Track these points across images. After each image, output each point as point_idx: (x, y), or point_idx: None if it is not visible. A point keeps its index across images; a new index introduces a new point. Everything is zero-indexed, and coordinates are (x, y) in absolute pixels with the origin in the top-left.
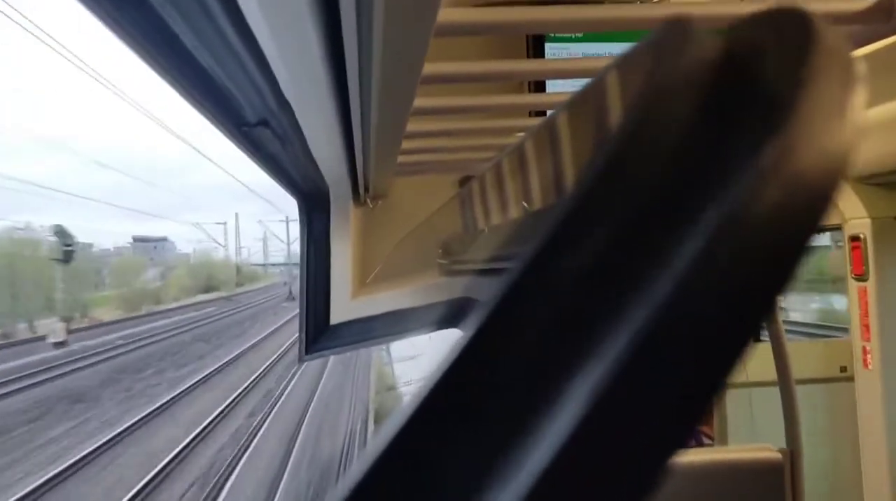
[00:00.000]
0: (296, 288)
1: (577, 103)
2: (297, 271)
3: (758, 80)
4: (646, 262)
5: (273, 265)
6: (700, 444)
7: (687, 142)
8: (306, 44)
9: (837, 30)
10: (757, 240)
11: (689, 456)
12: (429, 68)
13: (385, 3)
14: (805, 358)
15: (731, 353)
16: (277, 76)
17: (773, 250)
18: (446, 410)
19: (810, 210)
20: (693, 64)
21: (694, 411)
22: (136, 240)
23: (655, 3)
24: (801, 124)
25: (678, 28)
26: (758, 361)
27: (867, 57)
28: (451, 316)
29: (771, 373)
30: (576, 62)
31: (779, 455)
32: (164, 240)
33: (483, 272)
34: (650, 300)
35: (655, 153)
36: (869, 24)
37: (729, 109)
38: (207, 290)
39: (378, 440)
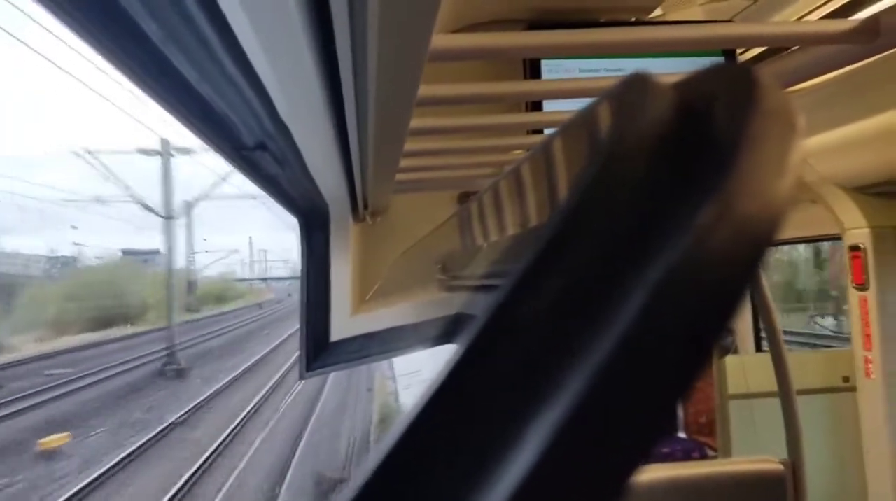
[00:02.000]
0: (279, 308)
1: (569, 130)
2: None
3: (706, 136)
4: (600, 306)
5: (278, 279)
6: (704, 456)
7: (639, 196)
8: (302, 68)
9: (779, 89)
10: (697, 288)
11: (694, 469)
12: (425, 90)
13: (379, 30)
14: (807, 368)
15: (676, 387)
16: (274, 101)
17: (712, 296)
18: (434, 426)
19: (745, 261)
20: (648, 119)
21: (650, 434)
22: (126, 253)
23: (649, 25)
24: (740, 181)
25: (636, 83)
26: (760, 372)
27: (863, 71)
28: (449, 331)
29: (773, 384)
30: (571, 83)
31: (781, 467)
32: (155, 252)
33: (478, 288)
34: (606, 338)
35: (610, 205)
36: (856, 44)
37: (680, 163)
38: (106, 323)
39: (372, 458)
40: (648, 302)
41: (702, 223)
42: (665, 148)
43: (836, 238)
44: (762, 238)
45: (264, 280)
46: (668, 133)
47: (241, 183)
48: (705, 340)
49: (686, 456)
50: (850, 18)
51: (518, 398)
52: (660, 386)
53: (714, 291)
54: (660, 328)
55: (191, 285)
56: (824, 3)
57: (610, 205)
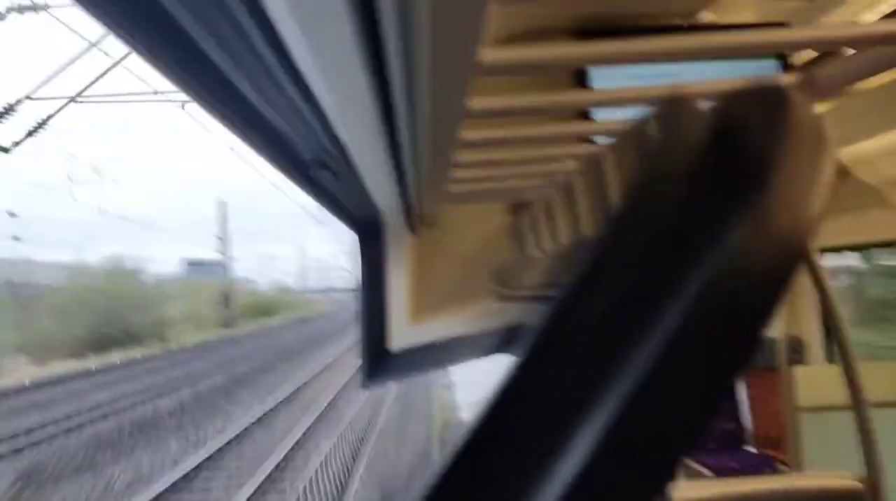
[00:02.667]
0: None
1: (615, 147)
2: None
3: (741, 156)
4: (643, 319)
5: (334, 291)
6: (775, 471)
7: (678, 214)
8: (357, 88)
9: (810, 105)
10: (733, 302)
11: (764, 484)
12: (475, 103)
13: (429, 47)
14: (881, 379)
15: (717, 395)
16: (331, 120)
17: (746, 310)
18: (495, 432)
19: (777, 275)
20: (685, 142)
21: (687, 442)
22: (191, 264)
23: (693, 33)
24: (772, 198)
25: (674, 107)
26: (831, 384)
27: None
28: (504, 341)
29: (845, 396)
30: (619, 93)
31: (859, 484)
32: (219, 264)
33: (531, 299)
34: (648, 350)
35: (651, 223)
36: None
37: (716, 182)
38: (101, 346)
39: (441, 462)
40: (686, 316)
41: (736, 239)
42: (702, 168)
43: None
44: (794, 252)
45: (322, 291)
46: (705, 153)
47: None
48: (740, 351)
49: (756, 471)
50: None
51: (569, 406)
52: (698, 395)
53: (748, 305)
54: (697, 340)
55: (227, 297)
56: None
57: (650, 223)
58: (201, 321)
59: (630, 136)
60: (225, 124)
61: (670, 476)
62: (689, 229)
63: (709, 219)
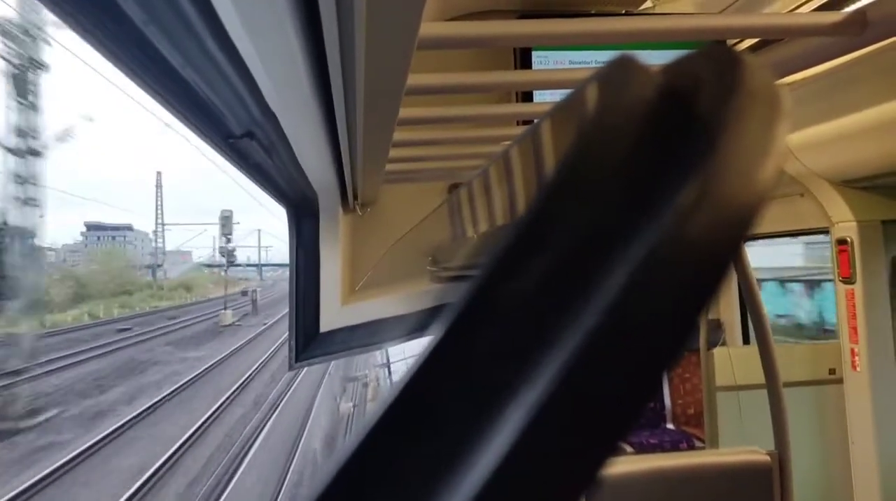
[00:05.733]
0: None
1: (557, 114)
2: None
3: (690, 117)
4: (580, 288)
5: (268, 266)
6: (692, 447)
7: (621, 176)
8: (289, 55)
9: (766, 68)
10: (678, 268)
11: (681, 459)
12: (415, 79)
13: (366, 16)
14: (794, 360)
15: (656, 368)
16: (262, 88)
17: (693, 277)
18: (409, 411)
19: (726, 242)
20: (632, 99)
21: (626, 418)
22: (90, 227)
23: (639, 15)
24: (722, 162)
25: (622, 65)
26: (748, 364)
27: (852, 66)
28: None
29: (761, 376)
30: (560, 73)
31: (767, 458)
32: (128, 228)
33: (465, 278)
34: (587, 319)
35: (591, 185)
36: (843, 36)
37: (663, 144)
38: None
39: (340, 451)
40: (629, 282)
41: (683, 203)
42: (648, 128)
43: (823, 231)
44: (744, 219)
45: (254, 266)
46: (652, 113)
47: None
48: (686, 321)
49: (674, 447)
50: (838, 11)
51: (496, 381)
52: (639, 367)
53: (695, 272)
54: (640, 308)
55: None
56: None
57: (591, 185)
58: None
59: (571, 102)
60: (143, 87)
61: (610, 452)
62: (632, 193)
63: (653, 183)
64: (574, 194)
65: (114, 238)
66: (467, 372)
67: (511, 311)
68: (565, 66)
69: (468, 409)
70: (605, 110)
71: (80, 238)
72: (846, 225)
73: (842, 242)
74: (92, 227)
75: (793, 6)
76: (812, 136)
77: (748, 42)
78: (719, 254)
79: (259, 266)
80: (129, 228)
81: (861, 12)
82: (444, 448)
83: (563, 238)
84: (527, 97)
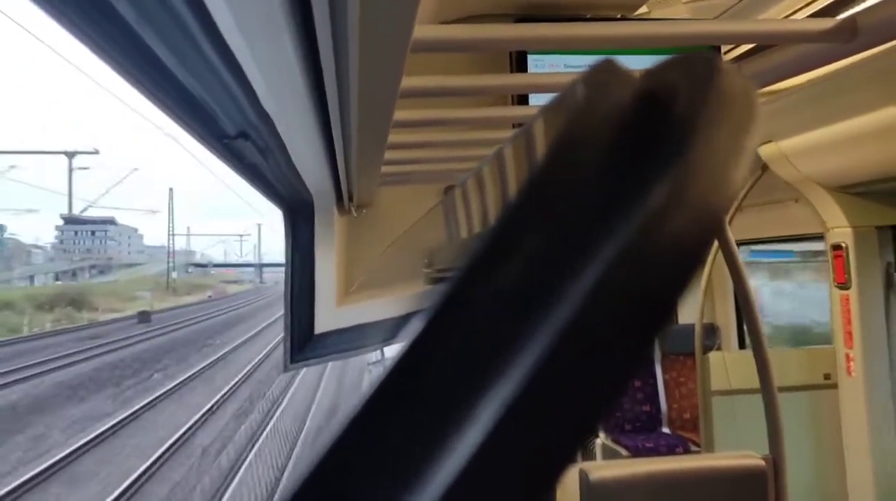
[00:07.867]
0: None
1: (547, 116)
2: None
3: (665, 120)
4: (552, 288)
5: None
6: (687, 452)
7: (596, 178)
8: (284, 56)
9: (742, 75)
10: (647, 270)
11: (677, 464)
12: (411, 81)
13: (360, 18)
14: (789, 365)
15: (624, 369)
16: (256, 89)
17: (661, 279)
18: (381, 411)
19: (695, 242)
20: (609, 103)
21: (592, 418)
22: (68, 221)
23: (634, 21)
24: (693, 163)
25: (604, 69)
26: (743, 369)
27: (846, 72)
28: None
29: (756, 381)
30: (555, 77)
31: (762, 463)
32: (110, 222)
33: (440, 281)
34: (556, 320)
35: (566, 187)
36: (834, 43)
37: (638, 146)
38: None
39: (316, 450)
40: (599, 284)
41: (653, 204)
42: (624, 131)
43: (818, 237)
44: (713, 219)
45: (250, 265)
46: (629, 116)
47: None
48: (654, 323)
49: (669, 451)
50: (829, 18)
51: (466, 382)
52: (607, 367)
53: (663, 271)
54: (609, 309)
55: None
56: (809, 3)
57: (565, 187)
58: None
59: (559, 103)
60: (138, 87)
61: (579, 445)
62: (606, 195)
63: (627, 185)
64: (549, 195)
65: (93, 233)
66: (442, 370)
67: (484, 311)
68: (561, 69)
69: (441, 406)
70: (583, 113)
71: (56, 233)
72: (841, 230)
73: (836, 247)
74: (69, 221)
75: (788, 12)
76: (807, 142)
77: (742, 48)
78: (689, 252)
79: (259, 266)
80: (112, 222)
81: (852, 19)
82: (418, 442)
83: (535, 238)
84: (522, 100)
